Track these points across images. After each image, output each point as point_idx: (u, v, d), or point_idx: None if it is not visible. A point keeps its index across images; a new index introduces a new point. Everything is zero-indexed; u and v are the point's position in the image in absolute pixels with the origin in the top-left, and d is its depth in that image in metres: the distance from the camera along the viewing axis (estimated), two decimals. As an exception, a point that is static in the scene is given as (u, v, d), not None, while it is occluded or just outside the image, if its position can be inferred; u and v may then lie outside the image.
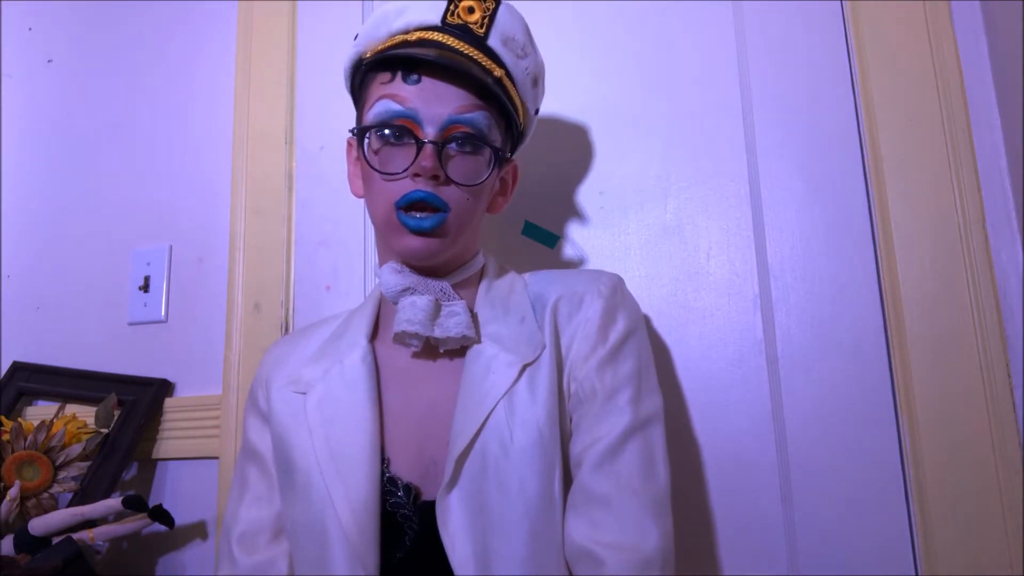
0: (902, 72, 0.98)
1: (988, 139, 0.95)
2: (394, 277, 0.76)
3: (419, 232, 0.73)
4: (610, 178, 1.06)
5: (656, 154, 1.05)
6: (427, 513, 0.71)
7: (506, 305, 0.80)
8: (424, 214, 0.73)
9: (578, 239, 1.06)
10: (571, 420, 0.75)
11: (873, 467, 0.91)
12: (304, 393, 0.79)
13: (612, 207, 1.05)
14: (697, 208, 1.03)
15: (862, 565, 0.89)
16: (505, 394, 0.72)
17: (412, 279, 0.76)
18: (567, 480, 0.73)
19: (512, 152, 0.85)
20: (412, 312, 0.74)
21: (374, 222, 0.79)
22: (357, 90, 0.82)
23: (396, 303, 0.77)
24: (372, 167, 0.75)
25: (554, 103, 1.06)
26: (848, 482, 0.91)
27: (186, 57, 1.31)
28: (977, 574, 0.86)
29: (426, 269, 0.78)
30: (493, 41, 0.76)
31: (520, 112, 0.80)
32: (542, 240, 1.00)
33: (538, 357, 0.75)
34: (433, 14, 0.76)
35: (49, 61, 1.39)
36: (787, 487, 0.93)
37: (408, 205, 0.73)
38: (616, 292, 0.80)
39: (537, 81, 0.83)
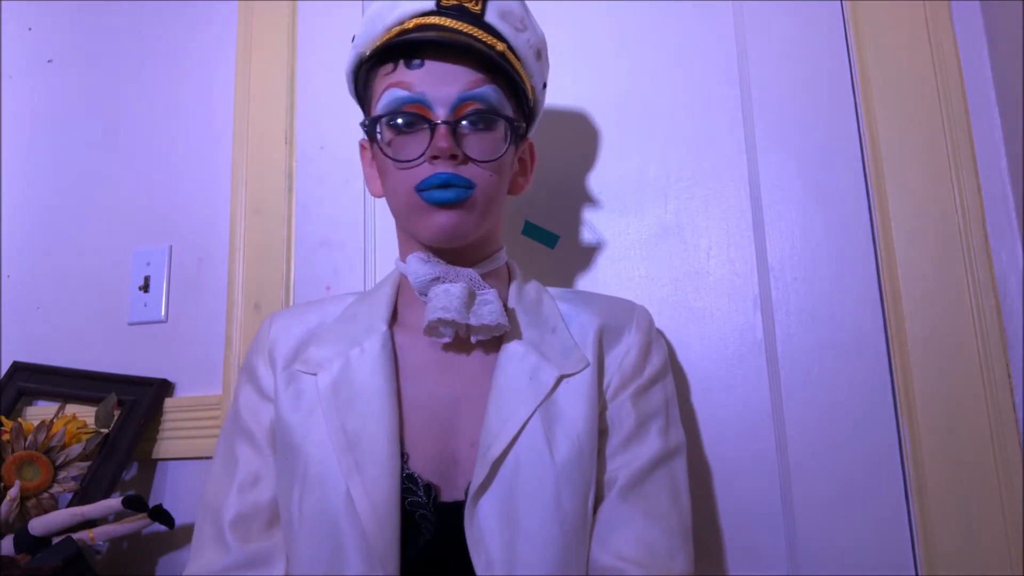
0: (902, 72, 0.98)
1: (988, 139, 0.95)
2: (423, 267, 0.75)
3: (444, 204, 0.71)
4: (610, 178, 1.06)
5: (656, 154, 1.05)
6: (445, 514, 0.70)
7: (537, 312, 0.80)
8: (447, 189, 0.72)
9: (578, 239, 1.06)
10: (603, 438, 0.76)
11: (873, 467, 0.91)
12: (314, 374, 0.76)
13: (612, 207, 1.05)
14: (697, 208, 1.03)
15: (862, 565, 0.89)
16: (542, 403, 0.72)
17: (441, 268, 0.75)
18: (598, 498, 0.74)
19: (526, 130, 0.84)
20: (447, 299, 0.72)
21: (395, 213, 0.78)
22: (362, 92, 0.81)
23: (426, 293, 0.75)
24: (388, 156, 0.74)
25: (555, 103, 1.06)
26: (848, 482, 0.91)
27: (186, 57, 1.31)
28: (977, 574, 0.86)
29: (454, 256, 0.76)
30: (491, 17, 0.75)
31: (528, 87, 0.79)
32: (542, 240, 1.00)
33: (579, 371, 0.75)
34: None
35: (49, 61, 1.39)
36: (787, 487, 0.93)
37: (430, 187, 0.71)
38: (652, 327, 0.83)
39: (540, 54, 0.81)
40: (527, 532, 0.67)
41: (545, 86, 0.85)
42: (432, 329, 0.73)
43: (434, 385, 0.76)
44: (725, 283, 1.00)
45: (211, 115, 1.26)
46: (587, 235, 1.06)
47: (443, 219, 0.72)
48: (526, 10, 0.80)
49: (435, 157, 0.71)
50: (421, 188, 0.71)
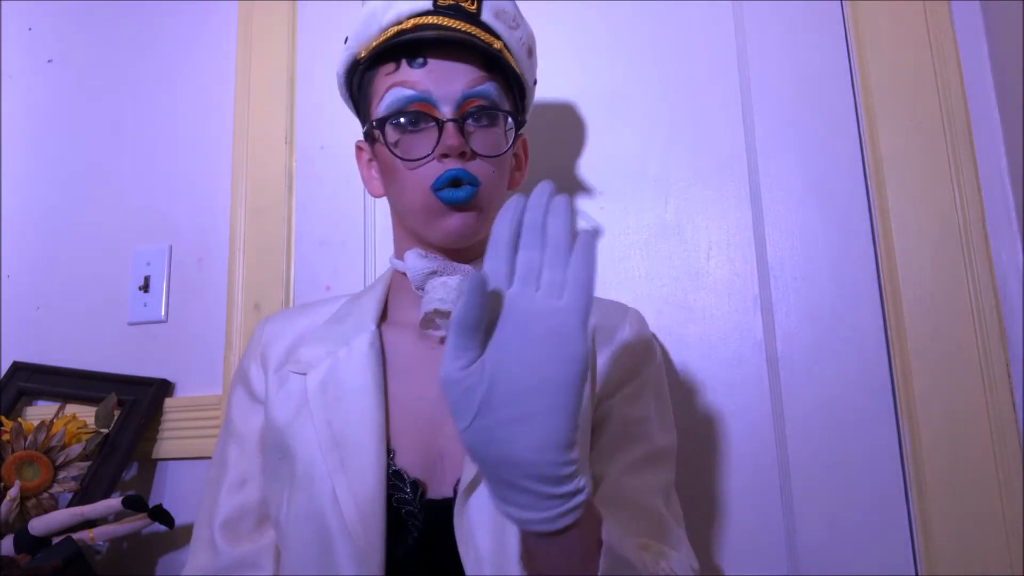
0: (902, 72, 0.98)
1: (988, 139, 0.95)
2: (421, 261, 0.76)
3: (456, 205, 0.72)
4: (610, 178, 1.06)
5: (656, 154, 1.05)
6: (432, 511, 0.70)
7: None
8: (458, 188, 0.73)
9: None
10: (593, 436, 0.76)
11: (873, 467, 0.91)
12: (304, 374, 0.77)
13: (612, 207, 1.05)
14: (697, 208, 1.03)
15: (862, 565, 0.89)
16: None
17: (438, 263, 0.76)
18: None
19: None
20: (444, 291, 0.73)
21: (404, 212, 0.78)
22: (356, 93, 0.82)
23: (422, 287, 0.75)
24: (397, 156, 0.74)
25: (555, 103, 1.06)
26: (848, 482, 0.91)
27: (186, 57, 1.31)
28: (977, 574, 0.86)
29: (454, 253, 0.77)
30: (486, 16, 0.77)
31: (522, 83, 0.81)
32: (542, 240, 1.00)
33: None
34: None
35: (49, 61, 1.39)
36: (787, 487, 0.93)
37: (443, 185, 0.72)
38: (644, 328, 0.83)
39: (531, 52, 0.83)
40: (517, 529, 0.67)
41: (535, 83, 0.87)
42: (428, 321, 0.74)
43: (422, 382, 0.76)
44: (725, 283, 1.00)
45: (211, 115, 1.26)
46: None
47: (455, 222, 0.73)
48: (518, 9, 0.81)
49: (445, 155, 0.72)
50: (437, 187, 0.72)
